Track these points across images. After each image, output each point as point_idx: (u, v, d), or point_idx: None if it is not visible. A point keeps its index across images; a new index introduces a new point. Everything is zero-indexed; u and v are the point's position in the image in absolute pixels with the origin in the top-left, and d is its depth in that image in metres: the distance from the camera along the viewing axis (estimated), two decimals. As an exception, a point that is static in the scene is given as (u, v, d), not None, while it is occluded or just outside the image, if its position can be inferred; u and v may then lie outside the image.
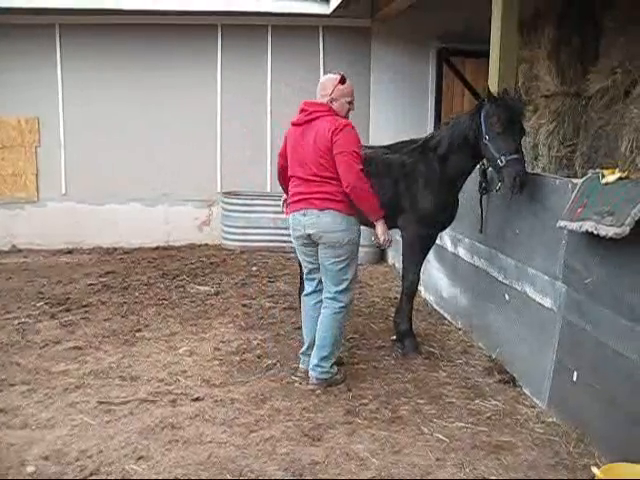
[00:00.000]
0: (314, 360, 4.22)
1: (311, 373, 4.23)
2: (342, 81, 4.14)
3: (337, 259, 4.11)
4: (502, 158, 4.16)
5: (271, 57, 8.76)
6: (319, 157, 4.04)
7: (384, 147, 5.10)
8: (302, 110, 4.20)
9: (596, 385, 3.42)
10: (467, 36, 7.84)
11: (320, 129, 4.04)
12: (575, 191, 3.61)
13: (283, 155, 4.35)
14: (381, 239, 4.16)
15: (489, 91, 4.38)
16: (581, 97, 6.06)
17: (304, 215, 4.12)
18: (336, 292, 4.18)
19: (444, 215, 4.77)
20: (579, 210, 3.46)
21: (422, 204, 4.67)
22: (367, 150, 5.10)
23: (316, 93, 4.22)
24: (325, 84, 4.19)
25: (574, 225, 3.45)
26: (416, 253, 4.83)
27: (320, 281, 4.33)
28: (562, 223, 3.58)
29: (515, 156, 4.14)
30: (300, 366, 4.41)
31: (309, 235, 4.14)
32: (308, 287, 4.43)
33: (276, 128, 8.78)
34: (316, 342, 4.25)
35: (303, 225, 4.14)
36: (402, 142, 5.00)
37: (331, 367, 4.24)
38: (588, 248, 3.52)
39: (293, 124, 4.25)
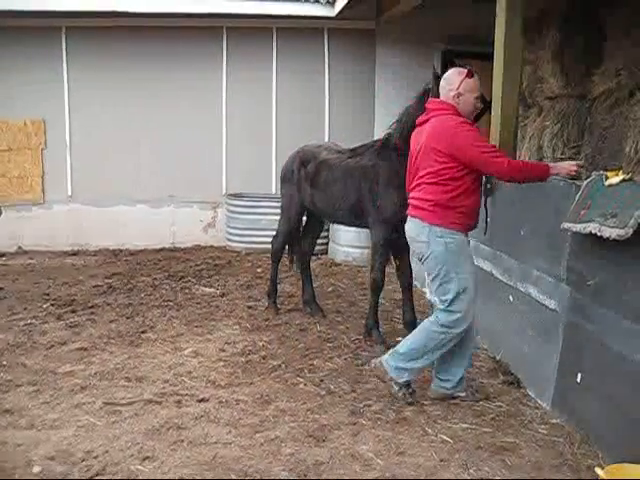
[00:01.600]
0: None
1: None
2: (470, 75, 3.79)
3: (429, 273, 3.82)
4: None
5: (276, 59, 8.78)
6: (419, 160, 3.83)
7: (349, 150, 5.20)
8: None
9: (600, 386, 3.42)
10: (472, 38, 7.83)
11: (426, 131, 3.81)
12: (579, 193, 3.62)
13: None
14: (573, 171, 3.78)
15: (435, 73, 4.34)
16: (585, 99, 6.04)
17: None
18: (438, 309, 3.86)
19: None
20: (583, 212, 3.47)
21: (384, 203, 4.68)
22: (330, 155, 5.17)
23: (440, 90, 3.91)
24: (451, 78, 3.84)
25: (578, 227, 3.46)
26: (381, 253, 4.91)
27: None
28: (566, 225, 3.59)
29: None
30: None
31: None
32: None
33: (281, 129, 8.82)
34: None
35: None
36: (363, 145, 5.08)
37: (397, 370, 3.91)
38: (592, 250, 3.53)
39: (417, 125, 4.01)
